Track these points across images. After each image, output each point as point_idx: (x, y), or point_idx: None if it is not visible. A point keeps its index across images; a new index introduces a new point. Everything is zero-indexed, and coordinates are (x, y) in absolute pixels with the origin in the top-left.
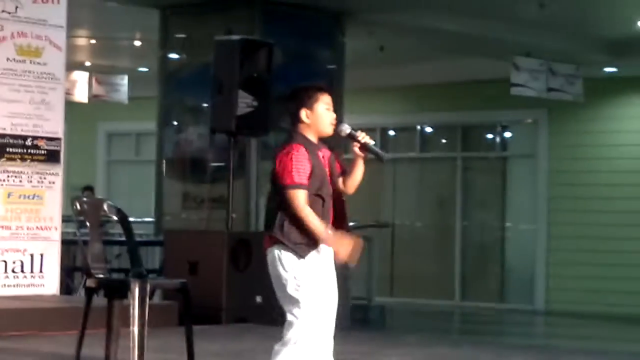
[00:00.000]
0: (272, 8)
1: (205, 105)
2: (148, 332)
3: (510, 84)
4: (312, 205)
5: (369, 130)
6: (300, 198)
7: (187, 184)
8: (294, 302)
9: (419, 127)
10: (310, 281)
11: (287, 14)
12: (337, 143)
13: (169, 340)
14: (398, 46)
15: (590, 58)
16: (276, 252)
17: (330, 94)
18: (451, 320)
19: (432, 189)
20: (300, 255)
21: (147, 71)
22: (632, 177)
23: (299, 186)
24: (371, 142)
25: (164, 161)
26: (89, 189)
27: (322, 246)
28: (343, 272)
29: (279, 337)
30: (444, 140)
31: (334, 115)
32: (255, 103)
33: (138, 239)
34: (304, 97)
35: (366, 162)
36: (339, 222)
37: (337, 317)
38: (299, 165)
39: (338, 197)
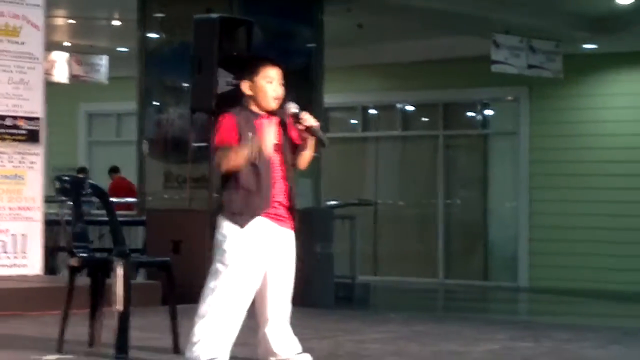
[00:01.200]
0: None
1: (185, 84)
2: (132, 311)
3: (491, 61)
4: (246, 174)
5: (350, 109)
6: (221, 155)
7: (168, 164)
8: (216, 272)
9: (399, 106)
10: (241, 253)
11: None
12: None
13: (152, 319)
14: (377, 24)
15: (570, 35)
16: (219, 219)
17: (279, 67)
18: (435, 298)
19: (414, 167)
20: (240, 224)
21: (126, 51)
22: (613, 154)
23: (219, 145)
24: (315, 125)
25: (145, 141)
26: (83, 170)
27: (277, 230)
28: (326, 251)
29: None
30: (425, 119)
31: (280, 90)
32: (235, 81)
33: (120, 218)
34: (247, 68)
35: (346, 141)
36: (284, 200)
37: (321, 295)
38: (222, 129)
39: (285, 174)
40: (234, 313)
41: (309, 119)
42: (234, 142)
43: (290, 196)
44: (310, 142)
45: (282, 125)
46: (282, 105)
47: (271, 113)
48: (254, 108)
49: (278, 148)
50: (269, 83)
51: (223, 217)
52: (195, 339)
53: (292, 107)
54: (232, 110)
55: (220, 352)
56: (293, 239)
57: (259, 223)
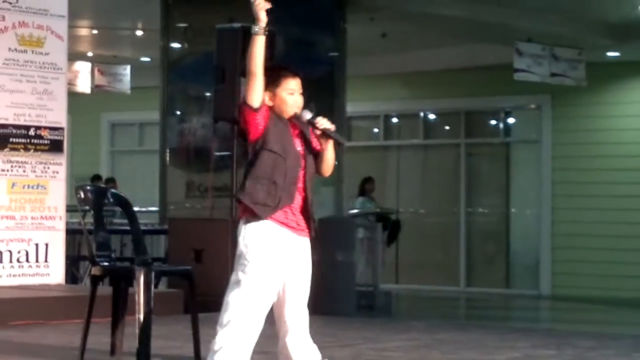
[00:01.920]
0: None
1: (208, 94)
2: (154, 319)
3: (514, 69)
4: (273, 165)
5: (372, 117)
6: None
7: (191, 173)
8: (238, 282)
9: (422, 114)
10: (263, 264)
11: (288, 0)
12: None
13: (174, 327)
14: (400, 32)
15: (593, 42)
16: (241, 224)
17: (299, 77)
18: (457, 306)
19: (436, 176)
20: (262, 215)
21: (149, 61)
22: (636, 162)
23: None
24: (331, 128)
25: (168, 150)
26: (112, 181)
27: (295, 239)
28: (348, 259)
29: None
30: (447, 127)
31: (300, 100)
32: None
33: (142, 227)
34: (267, 80)
35: (369, 149)
36: (304, 208)
37: (342, 303)
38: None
39: (305, 184)
40: (255, 322)
41: (324, 123)
42: (261, 123)
43: (308, 205)
44: (329, 145)
45: (302, 135)
46: (296, 115)
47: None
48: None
49: (301, 156)
50: (290, 94)
51: (245, 220)
52: (216, 347)
53: (306, 114)
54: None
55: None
56: (309, 248)
57: (280, 232)
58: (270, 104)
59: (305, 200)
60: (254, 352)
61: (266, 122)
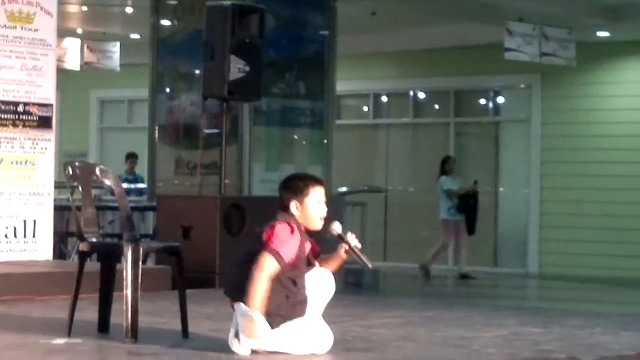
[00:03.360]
0: None
1: (197, 71)
2: (141, 296)
3: (504, 48)
4: (280, 290)
5: (361, 96)
6: (269, 265)
7: (179, 150)
8: None
9: (411, 93)
10: None
11: None
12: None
13: (162, 304)
14: (390, 11)
15: (583, 22)
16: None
17: (323, 186)
18: (444, 284)
19: (425, 155)
20: (271, 326)
21: (139, 38)
22: (624, 142)
23: (277, 255)
24: (358, 246)
25: (157, 127)
26: (133, 156)
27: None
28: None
29: None
30: (436, 106)
31: (325, 209)
32: (247, 68)
33: (131, 204)
34: (295, 188)
35: (358, 128)
36: None
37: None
38: (290, 242)
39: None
40: None
41: (352, 240)
42: (290, 262)
43: None
44: (340, 262)
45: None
46: (325, 226)
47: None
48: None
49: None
50: (318, 204)
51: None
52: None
53: (337, 228)
54: (294, 223)
55: None
56: None
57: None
58: (297, 213)
59: None
60: None
61: (297, 253)
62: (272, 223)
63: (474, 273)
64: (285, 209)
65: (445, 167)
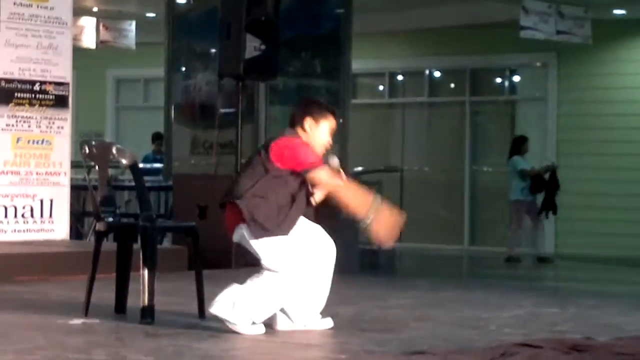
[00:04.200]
0: None
1: (213, 50)
2: (158, 276)
3: (520, 26)
4: (285, 191)
5: (377, 75)
6: (324, 174)
7: (195, 130)
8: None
9: (427, 72)
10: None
11: None
12: None
13: (178, 284)
14: None
15: (599, 0)
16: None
17: (336, 123)
18: (460, 264)
19: (440, 134)
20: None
21: (154, 16)
22: None
23: (315, 166)
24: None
25: (173, 107)
26: (159, 137)
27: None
28: (351, 218)
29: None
30: (452, 85)
31: (330, 141)
32: (263, 47)
33: (147, 184)
34: (314, 108)
35: (373, 107)
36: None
37: (346, 261)
38: (307, 151)
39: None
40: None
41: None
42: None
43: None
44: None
45: None
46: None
47: None
48: None
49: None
50: (329, 132)
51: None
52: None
53: (336, 163)
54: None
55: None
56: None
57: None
58: (308, 130)
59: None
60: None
61: None
62: (284, 137)
63: (488, 253)
64: (296, 125)
65: (519, 147)
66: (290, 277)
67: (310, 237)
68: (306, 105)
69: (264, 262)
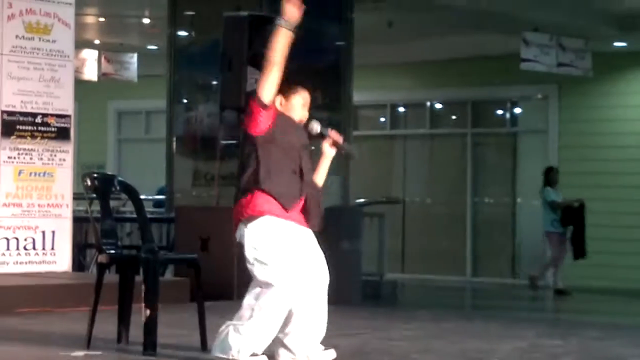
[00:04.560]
0: None
1: (214, 82)
2: (160, 308)
3: (520, 59)
4: (281, 157)
5: (379, 107)
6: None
7: (197, 162)
8: (263, 284)
9: (428, 104)
10: (278, 258)
11: None
12: None
13: (181, 316)
14: (407, 21)
15: (600, 32)
16: (242, 227)
17: (310, 94)
18: (462, 295)
19: (442, 165)
20: (285, 206)
21: (156, 49)
22: None
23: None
24: (340, 139)
25: (174, 139)
26: None
27: (300, 228)
28: (354, 248)
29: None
30: (454, 117)
31: (306, 115)
32: None
33: (149, 215)
34: (283, 86)
35: (375, 138)
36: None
37: (348, 292)
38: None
39: (313, 188)
40: (278, 318)
41: (334, 135)
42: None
43: (306, 202)
44: (328, 162)
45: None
46: (305, 125)
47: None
48: None
49: (303, 148)
50: (302, 105)
51: (245, 221)
52: (236, 336)
53: (317, 126)
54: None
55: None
56: (314, 238)
57: (283, 224)
58: (280, 109)
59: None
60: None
61: (273, 121)
62: None
63: (490, 285)
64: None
65: (549, 177)
66: (281, 290)
67: (305, 256)
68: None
69: (256, 272)
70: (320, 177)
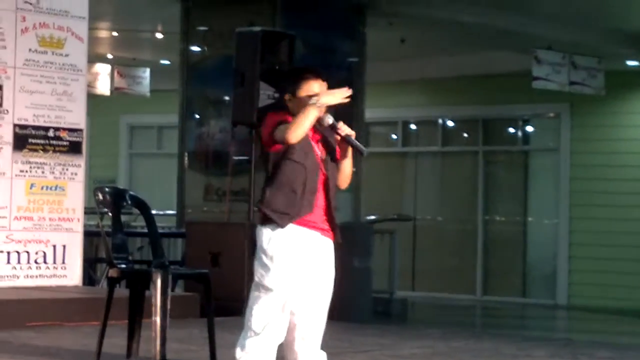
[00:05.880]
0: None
1: (227, 97)
2: (170, 323)
3: (532, 77)
4: (293, 174)
5: (390, 124)
6: (282, 129)
7: (209, 177)
8: (259, 288)
9: (440, 121)
10: (284, 267)
11: (308, 5)
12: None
13: (191, 331)
14: (419, 38)
15: (613, 51)
16: (258, 228)
17: (322, 80)
18: (473, 314)
19: (453, 183)
20: (281, 224)
21: (169, 64)
22: None
23: (275, 125)
24: (352, 134)
25: (186, 154)
26: None
27: (319, 239)
28: (364, 265)
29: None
30: (465, 134)
31: (319, 99)
32: (276, 95)
33: (160, 230)
34: (289, 81)
35: (387, 155)
36: (325, 213)
37: (358, 309)
38: (274, 116)
39: (328, 195)
40: (279, 328)
41: (345, 129)
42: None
43: (331, 210)
44: (349, 153)
45: (325, 140)
46: (318, 119)
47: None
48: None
49: (321, 162)
50: (313, 92)
51: (263, 224)
52: (241, 353)
53: (329, 119)
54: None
55: None
56: (333, 250)
57: (301, 233)
58: (289, 104)
59: (327, 204)
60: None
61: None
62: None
63: (501, 303)
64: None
65: None
66: (277, 297)
67: (310, 263)
68: (285, 79)
69: (256, 275)
70: (342, 174)
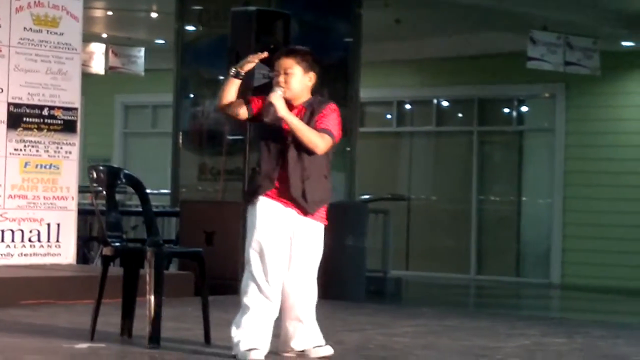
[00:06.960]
0: None
1: (221, 77)
2: (164, 301)
3: (527, 57)
4: (261, 151)
5: (385, 104)
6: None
7: (203, 156)
8: (248, 262)
9: (435, 101)
10: (262, 234)
11: None
12: None
13: (184, 309)
14: (414, 19)
15: (608, 32)
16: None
17: (291, 56)
18: (467, 293)
19: (448, 163)
20: (250, 202)
21: (163, 43)
22: None
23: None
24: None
25: (181, 133)
26: None
27: (299, 218)
28: (358, 245)
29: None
30: (460, 114)
31: (282, 80)
32: (271, 74)
33: (154, 209)
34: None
35: (381, 135)
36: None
37: (352, 288)
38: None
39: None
40: (271, 298)
41: (274, 99)
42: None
43: (291, 183)
44: (291, 122)
45: (310, 116)
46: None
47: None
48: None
49: (285, 134)
50: (276, 75)
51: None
52: (236, 331)
53: (275, 96)
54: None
55: (260, 343)
56: (311, 226)
57: (273, 206)
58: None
59: (287, 178)
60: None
61: (257, 112)
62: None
63: (495, 283)
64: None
65: None
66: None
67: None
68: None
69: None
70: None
